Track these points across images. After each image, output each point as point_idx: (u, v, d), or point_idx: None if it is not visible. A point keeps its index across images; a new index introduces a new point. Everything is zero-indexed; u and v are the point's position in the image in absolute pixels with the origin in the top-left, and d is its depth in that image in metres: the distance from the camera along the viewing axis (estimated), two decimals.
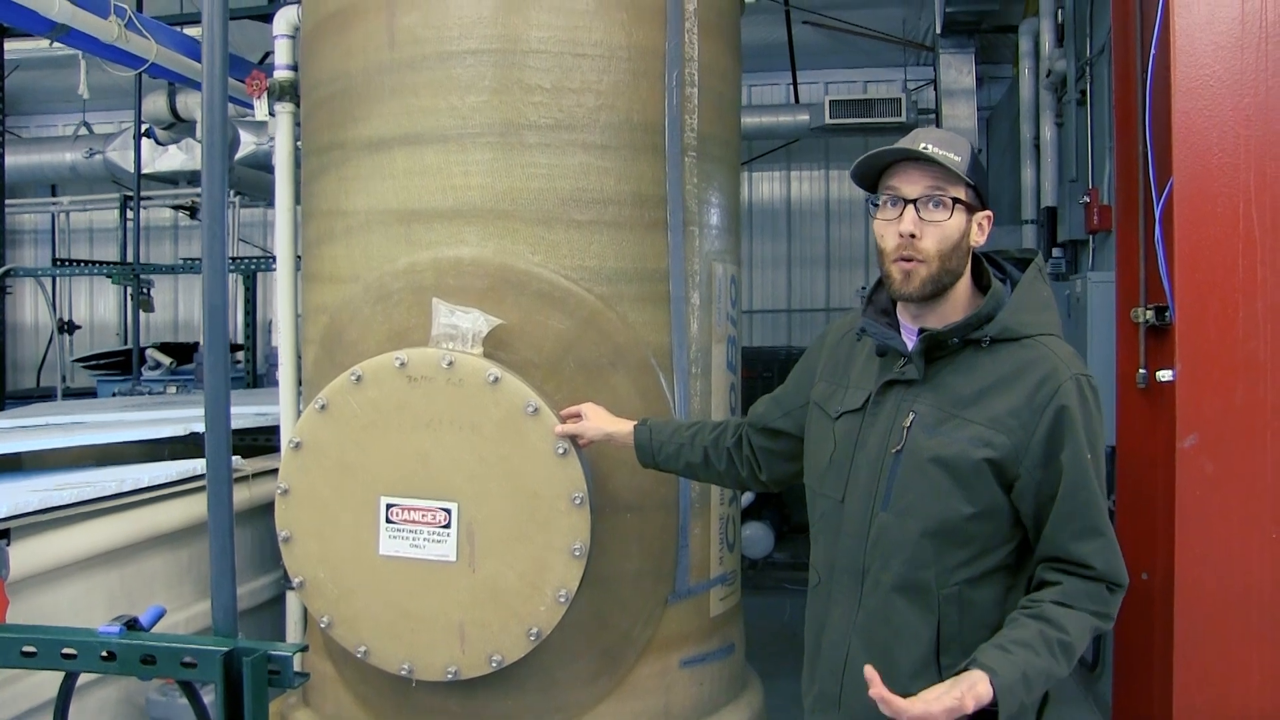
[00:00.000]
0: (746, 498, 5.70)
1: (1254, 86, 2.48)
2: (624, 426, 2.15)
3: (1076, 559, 1.59)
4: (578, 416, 2.19)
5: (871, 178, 1.72)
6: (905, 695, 1.55)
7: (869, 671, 1.48)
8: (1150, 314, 2.73)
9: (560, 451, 2.16)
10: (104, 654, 1.66)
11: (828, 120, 7.23)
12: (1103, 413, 1.65)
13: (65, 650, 1.68)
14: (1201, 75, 2.49)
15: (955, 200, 1.63)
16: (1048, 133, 5.56)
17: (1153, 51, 2.62)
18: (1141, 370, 2.82)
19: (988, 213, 1.69)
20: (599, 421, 2.17)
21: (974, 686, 1.44)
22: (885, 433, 1.70)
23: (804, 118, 7.62)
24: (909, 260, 1.64)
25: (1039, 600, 1.58)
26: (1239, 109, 2.49)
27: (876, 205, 1.69)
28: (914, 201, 1.63)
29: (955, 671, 1.50)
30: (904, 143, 1.66)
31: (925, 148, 1.62)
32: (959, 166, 1.61)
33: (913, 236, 1.62)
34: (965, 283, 1.70)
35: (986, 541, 1.64)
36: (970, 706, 1.43)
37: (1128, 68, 2.97)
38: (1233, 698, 2.47)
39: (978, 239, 1.69)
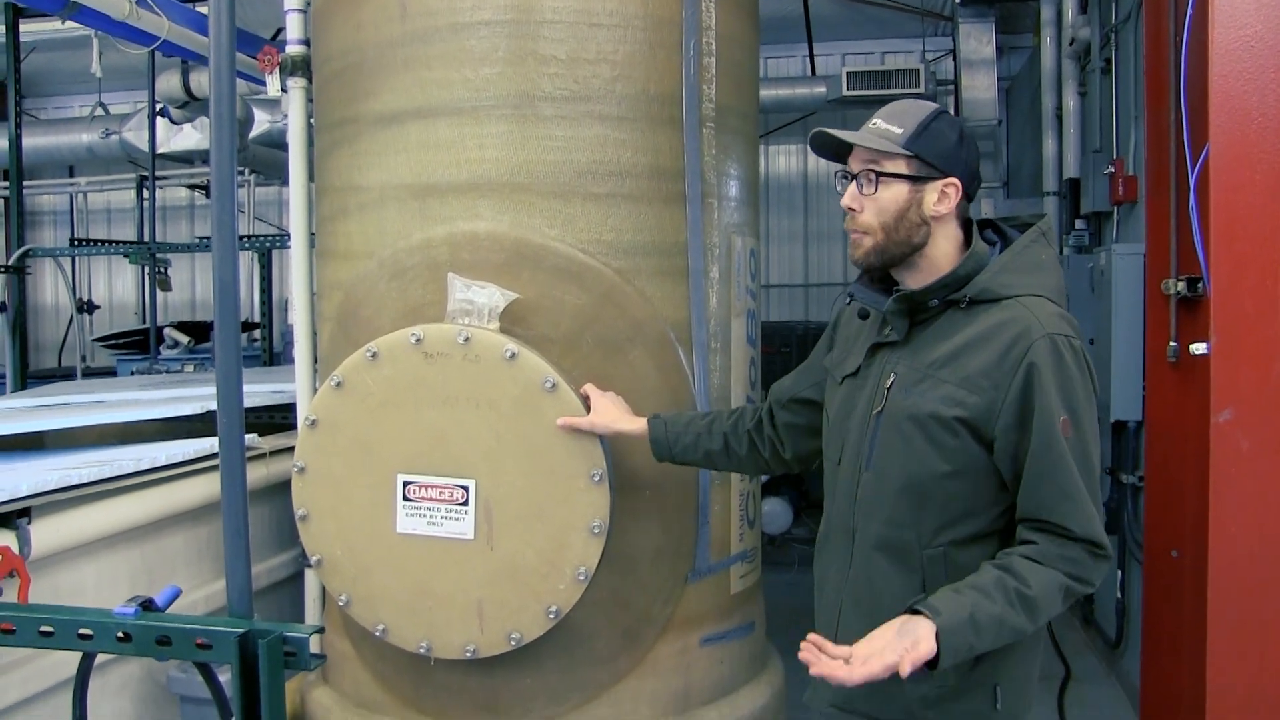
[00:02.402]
0: None
1: None
2: (636, 424, 2.11)
3: (1053, 521, 1.57)
4: (588, 397, 2.16)
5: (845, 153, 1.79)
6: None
7: (809, 646, 1.50)
8: (1182, 285, 2.66)
9: None
10: (120, 635, 1.65)
11: (845, 92, 7.10)
12: (1088, 374, 1.62)
13: (82, 630, 1.67)
14: (1242, 36, 2.39)
15: (889, 174, 1.68)
16: (1070, 102, 5.45)
17: (1189, 12, 2.53)
18: (1173, 343, 2.74)
19: (949, 179, 1.68)
20: (609, 419, 2.11)
21: (916, 645, 1.44)
22: (871, 394, 1.73)
23: (821, 90, 7.49)
24: (855, 232, 1.73)
25: (1010, 553, 1.57)
26: None
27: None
28: (856, 177, 1.72)
29: (906, 608, 1.52)
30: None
31: (875, 124, 1.70)
32: (897, 139, 1.66)
33: (853, 210, 1.72)
34: (948, 247, 1.71)
35: (969, 503, 1.63)
36: (906, 670, 1.43)
37: (1160, 31, 2.88)
38: (1267, 676, 2.42)
39: (937, 208, 1.68)
